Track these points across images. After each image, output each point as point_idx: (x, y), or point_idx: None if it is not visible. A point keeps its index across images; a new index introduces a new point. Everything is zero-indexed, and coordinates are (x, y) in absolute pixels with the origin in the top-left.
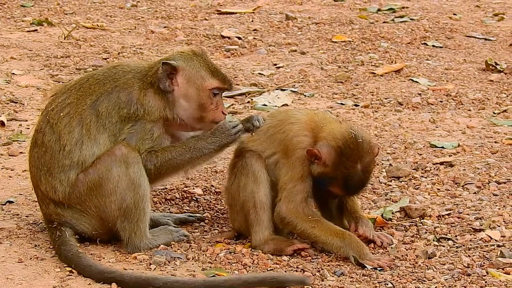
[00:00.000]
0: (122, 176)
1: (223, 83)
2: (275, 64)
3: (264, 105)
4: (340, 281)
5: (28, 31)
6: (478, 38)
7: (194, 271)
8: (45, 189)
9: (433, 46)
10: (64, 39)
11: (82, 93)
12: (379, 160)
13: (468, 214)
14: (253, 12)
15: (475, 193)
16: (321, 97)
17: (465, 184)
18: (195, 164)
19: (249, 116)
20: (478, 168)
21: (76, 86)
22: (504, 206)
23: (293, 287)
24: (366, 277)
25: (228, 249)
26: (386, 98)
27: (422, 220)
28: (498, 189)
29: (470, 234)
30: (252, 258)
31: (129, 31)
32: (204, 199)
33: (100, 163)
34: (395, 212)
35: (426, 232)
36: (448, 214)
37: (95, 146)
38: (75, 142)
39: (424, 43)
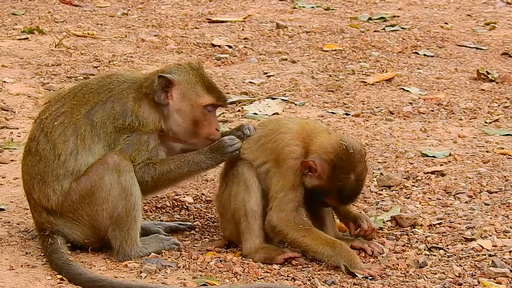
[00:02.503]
0: (114, 184)
1: (218, 100)
2: (266, 73)
3: (255, 113)
4: None
5: (19, 39)
6: (469, 47)
7: (185, 279)
8: (38, 197)
9: (424, 55)
10: (55, 47)
11: (77, 102)
12: (370, 169)
13: (459, 224)
14: (244, 21)
15: (466, 202)
16: (312, 106)
17: (457, 194)
18: (191, 177)
19: (239, 125)
20: (470, 178)
21: (70, 95)
22: (495, 215)
23: None
24: (357, 286)
25: (219, 257)
26: (377, 107)
27: (413, 229)
28: (490, 198)
29: (462, 244)
30: (242, 267)
31: (120, 40)
32: (195, 208)
33: (92, 171)
34: (386, 221)
35: (417, 241)
36: (439, 224)
37: (90, 156)
38: (70, 152)
39: (415, 52)
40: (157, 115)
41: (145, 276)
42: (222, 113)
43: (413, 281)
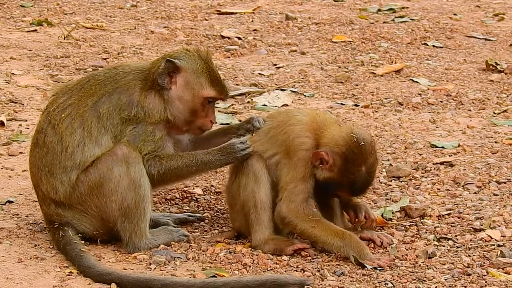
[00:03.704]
0: (123, 176)
1: (220, 94)
2: (275, 64)
3: (264, 105)
4: (340, 281)
5: (28, 31)
6: (478, 38)
7: (194, 271)
8: (46, 189)
9: (433, 46)
10: (64, 39)
11: (83, 94)
12: (379, 160)
13: (468, 214)
14: (253, 12)
15: (475, 193)
16: (321, 97)
17: (465, 184)
18: (198, 175)
19: (249, 118)
20: (479, 168)
21: (78, 87)
22: (504, 206)
23: None
24: (366, 277)
25: (228, 249)
26: (386, 98)
27: (422, 220)
28: (498, 189)
29: (470, 234)
30: (252, 258)
31: (129, 31)
32: (204, 199)
33: (101, 162)
34: (395, 212)
35: (426, 232)
36: (448, 214)
37: (97, 147)
38: (77, 144)
39: (424, 43)
40: (163, 105)
41: (155, 268)
42: (232, 104)
43: (422, 272)
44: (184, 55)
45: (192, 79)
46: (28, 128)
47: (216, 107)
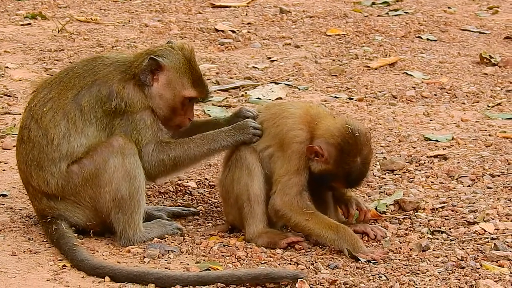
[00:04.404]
0: (118, 166)
1: (201, 94)
2: (269, 58)
3: (258, 98)
4: (334, 274)
5: (22, 25)
6: (472, 31)
7: (188, 264)
8: (37, 183)
9: (428, 39)
10: (58, 32)
11: (63, 87)
12: (374, 153)
13: (462, 207)
14: (247, 6)
15: (469, 186)
16: (315, 90)
17: (459, 177)
18: (210, 156)
19: (238, 109)
20: (472, 161)
21: (57, 80)
22: (498, 199)
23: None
24: (360, 270)
25: (222, 242)
26: (380, 92)
27: (416, 213)
28: (492, 182)
29: (464, 227)
30: (246, 251)
31: (123, 25)
32: (198, 193)
33: (97, 154)
34: (389, 205)
35: (420, 225)
36: (442, 207)
37: (84, 137)
38: (63, 135)
39: (419, 37)
40: (142, 94)
41: (148, 261)
42: (226, 98)
43: (415, 265)
44: (168, 53)
45: (174, 78)
46: None
47: (210, 100)
